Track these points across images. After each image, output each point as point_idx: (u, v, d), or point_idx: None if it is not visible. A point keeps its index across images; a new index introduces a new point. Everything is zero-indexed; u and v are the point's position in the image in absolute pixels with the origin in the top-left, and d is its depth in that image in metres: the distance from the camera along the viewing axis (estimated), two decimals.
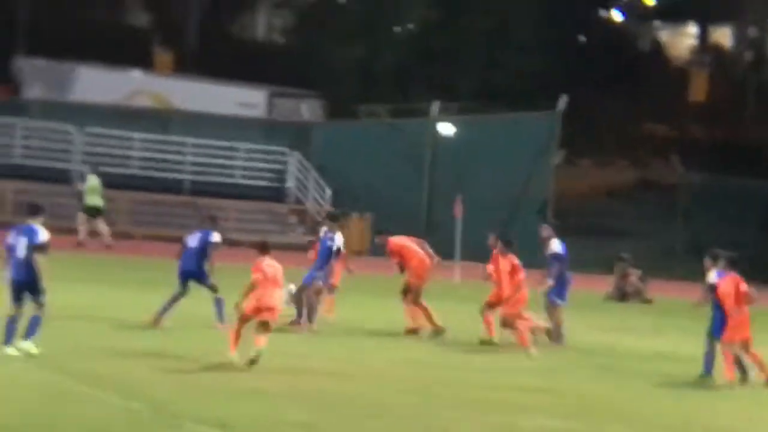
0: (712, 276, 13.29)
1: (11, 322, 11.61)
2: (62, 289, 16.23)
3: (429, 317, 15.24)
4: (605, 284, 24.63)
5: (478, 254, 29.44)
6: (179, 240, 15.33)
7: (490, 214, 30.34)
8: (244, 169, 32.46)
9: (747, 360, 13.21)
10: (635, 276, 24.54)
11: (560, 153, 31.84)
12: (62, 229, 29.23)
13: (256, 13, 47.19)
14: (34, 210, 11.86)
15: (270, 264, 12.55)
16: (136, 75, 37.79)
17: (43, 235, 11.58)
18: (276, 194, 32.21)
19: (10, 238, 11.68)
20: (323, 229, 15.39)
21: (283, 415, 9.80)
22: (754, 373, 13.26)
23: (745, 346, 13.24)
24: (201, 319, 14.73)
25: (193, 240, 14.60)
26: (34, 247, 11.47)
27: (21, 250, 11.51)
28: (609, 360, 14.59)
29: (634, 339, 16.93)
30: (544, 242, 15.45)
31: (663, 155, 37.04)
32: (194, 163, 32.01)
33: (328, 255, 14.90)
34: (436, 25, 40.91)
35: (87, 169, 27.04)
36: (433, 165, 32.42)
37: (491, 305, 14.92)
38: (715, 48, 47.51)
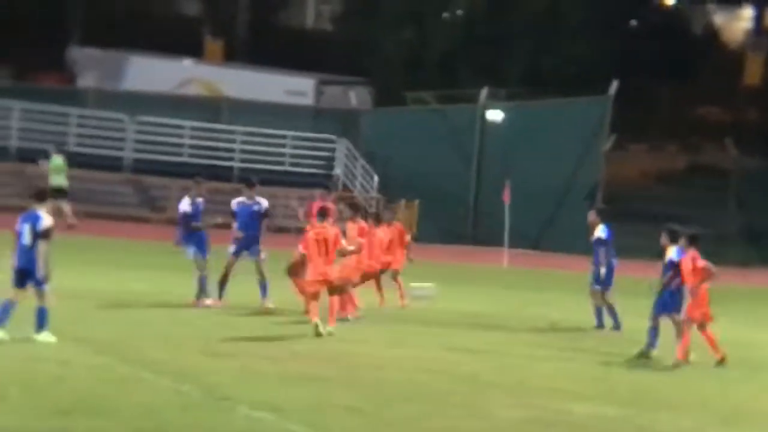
0: (673, 253, 13.16)
1: (9, 305, 11.54)
2: (113, 275, 16.47)
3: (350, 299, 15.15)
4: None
5: (527, 240, 29.47)
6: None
7: (539, 200, 30.18)
8: (293, 156, 32.63)
9: (704, 339, 13.06)
10: None
11: (611, 138, 31.52)
12: (117, 216, 29.79)
13: (304, 1, 47.32)
14: (42, 196, 11.74)
15: (320, 231, 12.60)
16: (187, 64, 38.11)
17: (46, 221, 11.48)
18: (324, 181, 32.31)
19: (18, 224, 11.64)
20: (239, 199, 15.42)
21: (333, 399, 9.87)
22: (694, 355, 13.11)
23: (703, 324, 13.07)
24: (251, 304, 14.87)
25: (184, 205, 14.96)
26: (37, 234, 11.38)
27: (25, 237, 11.45)
28: (658, 347, 14.47)
29: None
30: (591, 227, 15.42)
31: (716, 140, 36.44)
32: (244, 151, 32.26)
33: (256, 218, 15.05)
34: (484, 10, 40.61)
35: (52, 148, 26.50)
36: (482, 151, 32.26)
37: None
38: None
